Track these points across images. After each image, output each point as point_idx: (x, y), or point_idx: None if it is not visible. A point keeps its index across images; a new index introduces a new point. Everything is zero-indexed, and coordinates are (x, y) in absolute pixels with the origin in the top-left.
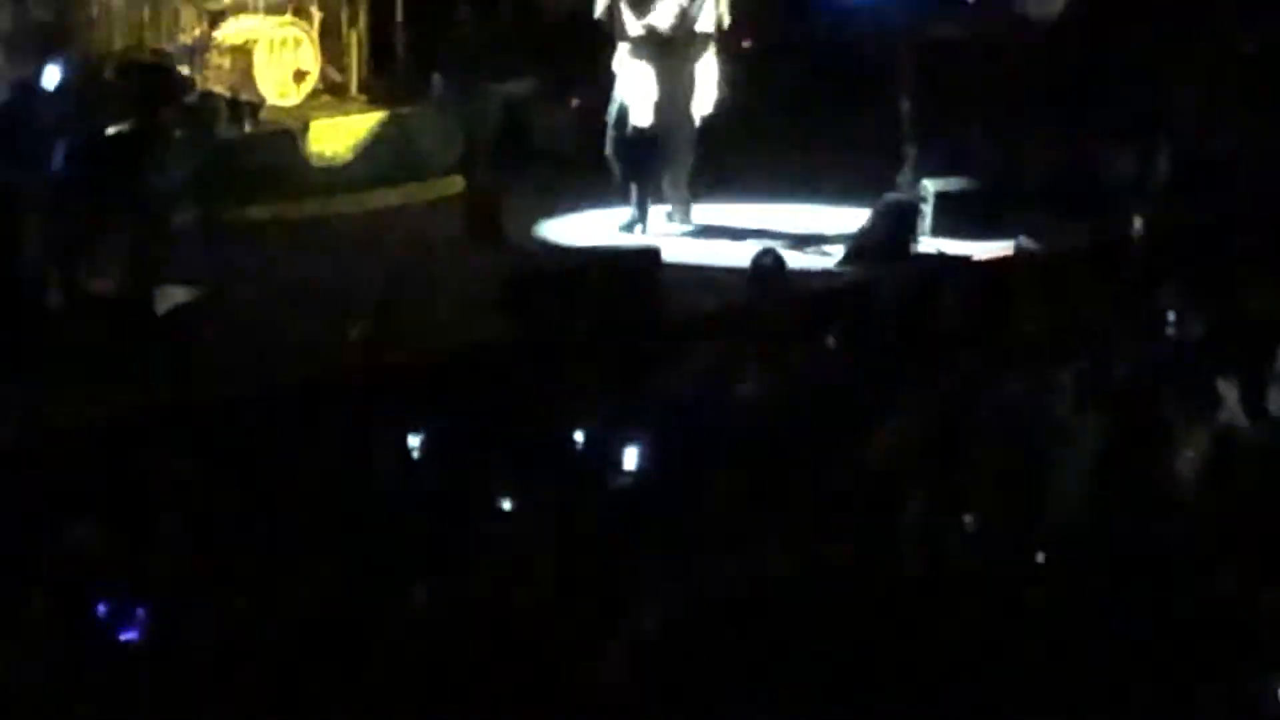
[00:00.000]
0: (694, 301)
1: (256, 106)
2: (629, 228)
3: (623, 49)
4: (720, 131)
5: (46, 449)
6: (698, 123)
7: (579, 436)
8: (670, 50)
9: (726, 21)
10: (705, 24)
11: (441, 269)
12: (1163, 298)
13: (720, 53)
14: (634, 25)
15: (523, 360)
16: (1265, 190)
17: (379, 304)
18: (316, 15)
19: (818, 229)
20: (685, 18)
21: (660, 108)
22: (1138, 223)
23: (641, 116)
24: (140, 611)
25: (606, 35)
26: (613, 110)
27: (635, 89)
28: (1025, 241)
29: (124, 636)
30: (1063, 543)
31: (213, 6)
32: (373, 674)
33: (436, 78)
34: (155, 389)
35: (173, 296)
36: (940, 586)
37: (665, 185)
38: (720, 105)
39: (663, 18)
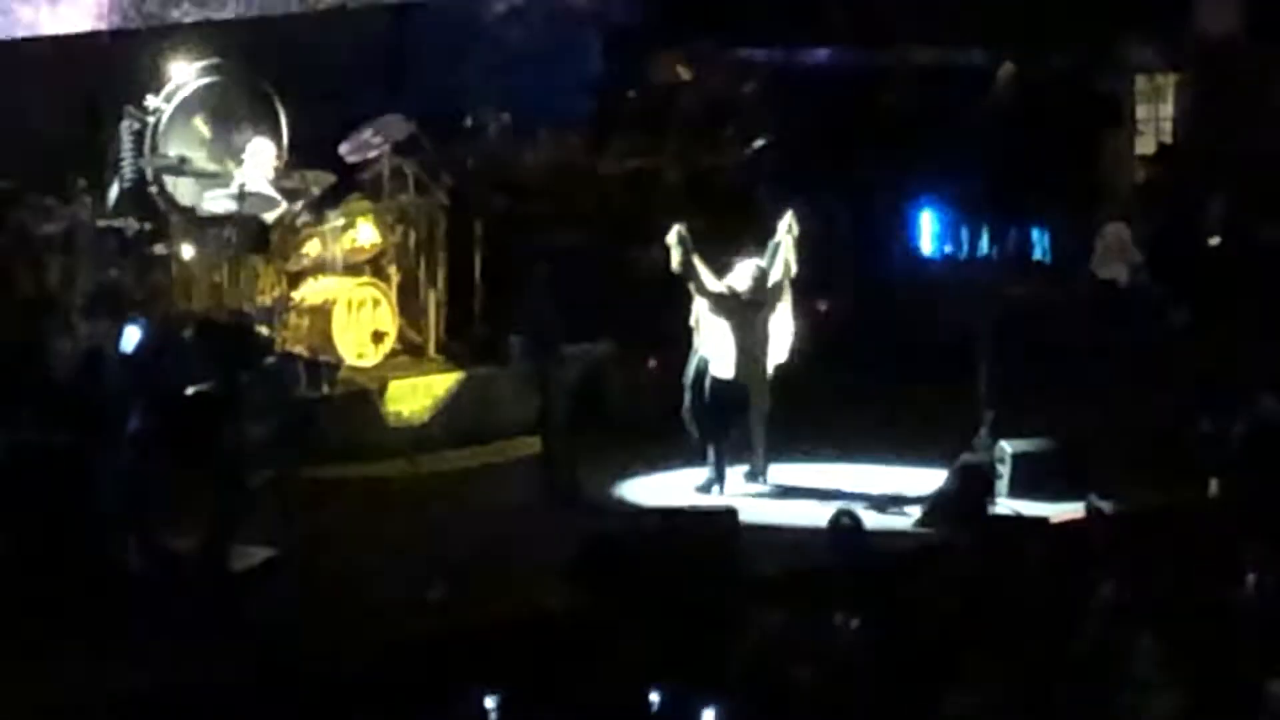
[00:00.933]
0: (772, 562)
1: (335, 367)
2: (706, 488)
3: (701, 305)
4: (800, 391)
5: (132, 709)
6: (771, 372)
7: (657, 697)
8: (748, 307)
9: (794, 270)
10: (778, 276)
11: (519, 530)
12: (1240, 559)
13: (794, 303)
14: (714, 283)
15: (600, 621)
16: None
17: (456, 566)
18: (394, 276)
19: (895, 489)
20: (763, 279)
21: (739, 363)
22: (1214, 484)
23: (721, 371)
24: None
25: (684, 298)
26: (690, 371)
27: (714, 345)
28: (1096, 502)
29: None
30: None
31: (291, 268)
32: None
33: (513, 339)
34: (234, 650)
35: (251, 557)
36: None
37: (753, 439)
38: (798, 362)
39: (742, 280)
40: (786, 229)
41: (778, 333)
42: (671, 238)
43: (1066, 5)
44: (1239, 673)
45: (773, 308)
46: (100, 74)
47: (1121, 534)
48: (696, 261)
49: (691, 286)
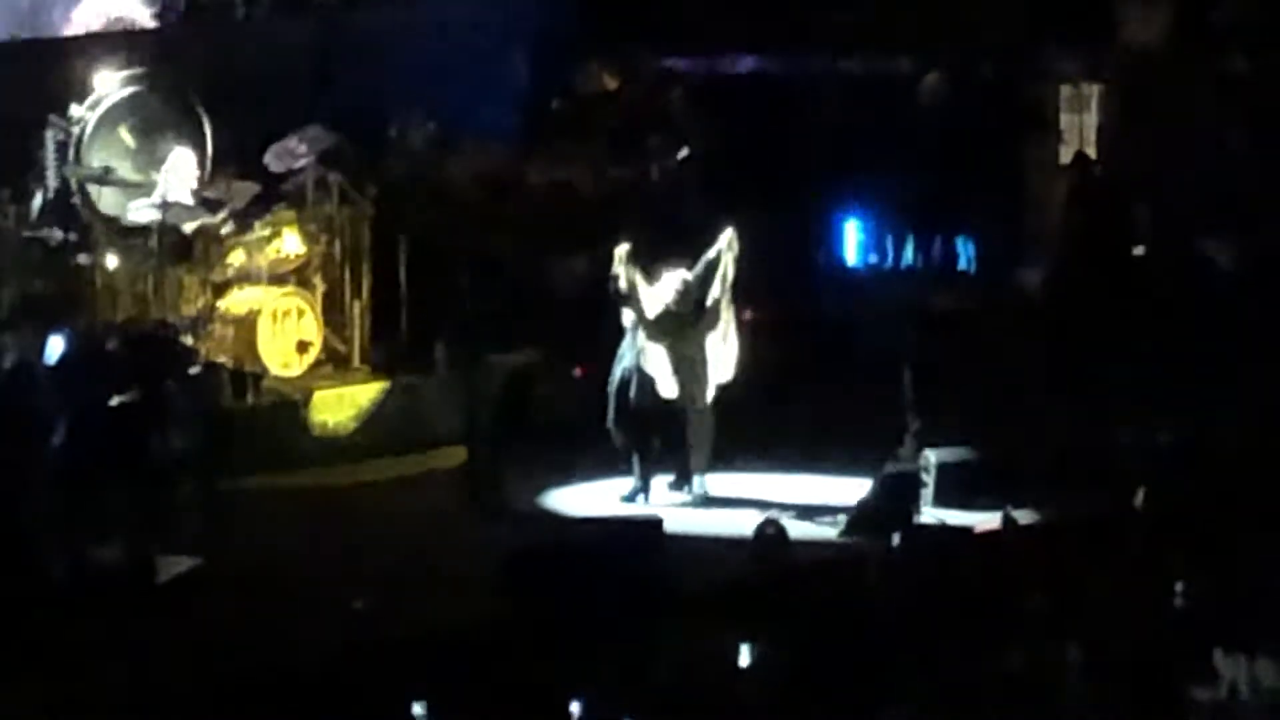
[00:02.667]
0: (697, 572)
1: (259, 377)
2: (631, 498)
3: (637, 323)
4: (726, 403)
5: None
6: (712, 392)
7: (580, 708)
8: (681, 324)
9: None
10: (716, 294)
11: (443, 540)
12: (1166, 569)
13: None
14: (648, 301)
15: (525, 633)
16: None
17: (381, 576)
18: (319, 286)
19: (820, 500)
20: (688, 292)
21: (675, 380)
22: (1140, 494)
23: (660, 388)
24: None
25: (609, 307)
26: (614, 380)
27: (650, 363)
28: (1012, 512)
29: None
30: None
31: (216, 278)
32: None
33: (439, 348)
34: (157, 663)
35: (175, 567)
36: None
37: (690, 456)
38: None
39: (666, 293)
40: (727, 245)
41: (718, 351)
42: (619, 255)
43: (990, 14)
44: (1162, 682)
45: (711, 325)
46: (23, 82)
47: (1038, 544)
48: (639, 281)
49: (631, 307)
